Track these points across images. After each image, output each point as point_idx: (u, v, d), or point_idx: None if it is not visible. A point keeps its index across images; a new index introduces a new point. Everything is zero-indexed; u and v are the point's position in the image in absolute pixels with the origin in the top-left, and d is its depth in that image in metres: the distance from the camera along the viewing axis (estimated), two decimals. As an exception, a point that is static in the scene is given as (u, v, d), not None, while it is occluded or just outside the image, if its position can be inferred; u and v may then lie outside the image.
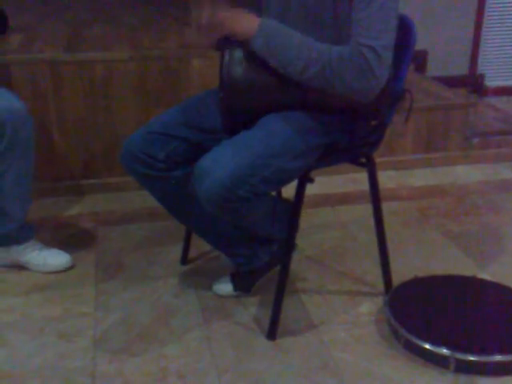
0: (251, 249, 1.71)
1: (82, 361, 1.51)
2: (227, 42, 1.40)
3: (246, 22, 1.38)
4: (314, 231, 2.13)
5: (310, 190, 1.58)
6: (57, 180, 2.27)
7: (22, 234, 1.84)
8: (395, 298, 1.67)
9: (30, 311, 1.70)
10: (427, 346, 1.49)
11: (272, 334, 1.58)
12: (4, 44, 2.26)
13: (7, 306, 1.71)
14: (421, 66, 3.20)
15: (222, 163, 1.35)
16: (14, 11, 2.71)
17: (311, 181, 1.53)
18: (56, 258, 1.86)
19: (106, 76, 2.21)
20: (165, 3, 3.28)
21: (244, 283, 1.75)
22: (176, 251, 1.95)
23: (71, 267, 1.88)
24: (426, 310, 1.63)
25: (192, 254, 1.94)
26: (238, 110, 1.43)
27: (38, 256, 1.85)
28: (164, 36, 2.54)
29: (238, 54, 1.39)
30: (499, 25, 3.42)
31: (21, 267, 1.86)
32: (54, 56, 2.19)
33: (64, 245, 1.93)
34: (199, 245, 1.89)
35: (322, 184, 2.27)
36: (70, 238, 2.05)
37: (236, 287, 1.75)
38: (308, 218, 2.14)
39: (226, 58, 1.38)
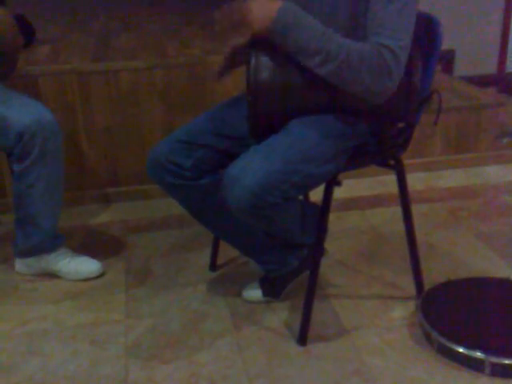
0: (280, 254, 1.70)
1: (114, 368, 1.52)
2: (253, 46, 1.40)
3: (262, 12, 1.35)
4: (344, 235, 2.11)
5: (338, 193, 1.57)
6: (85, 189, 2.30)
7: (53, 242, 1.86)
8: (428, 301, 1.64)
9: (62, 319, 1.71)
10: (461, 350, 1.46)
11: (303, 339, 1.57)
12: (32, 55, 2.30)
13: (40, 314, 1.73)
14: (448, 66, 3.16)
15: (251, 170, 1.34)
16: (42, 23, 2.76)
17: (339, 184, 1.52)
18: (87, 266, 1.88)
19: (133, 84, 2.23)
20: (190, 11, 3.30)
21: (273, 289, 1.74)
22: (205, 258, 1.95)
23: (102, 274, 1.90)
24: (459, 313, 1.59)
25: (220, 260, 1.94)
26: (265, 114, 1.42)
27: (69, 264, 1.87)
28: (189, 43, 2.56)
29: (265, 57, 1.38)
30: (528, 22, 3.35)
31: (52, 275, 1.89)
32: (82, 66, 2.23)
33: (93, 252, 1.94)
34: (228, 251, 1.88)
35: (351, 187, 2.25)
36: (100, 246, 2.07)
37: (265, 293, 1.74)
38: (337, 222, 2.12)
39: (253, 61, 1.38)
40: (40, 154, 1.69)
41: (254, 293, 1.75)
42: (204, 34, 2.71)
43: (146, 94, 2.25)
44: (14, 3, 2.06)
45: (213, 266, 1.93)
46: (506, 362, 1.42)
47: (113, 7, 3.44)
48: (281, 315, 1.69)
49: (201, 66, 2.27)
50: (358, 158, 1.53)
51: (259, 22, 1.35)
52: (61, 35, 2.72)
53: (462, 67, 3.20)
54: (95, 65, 2.25)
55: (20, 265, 1.90)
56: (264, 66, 1.38)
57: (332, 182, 1.51)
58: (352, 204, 2.28)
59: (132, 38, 2.67)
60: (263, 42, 1.39)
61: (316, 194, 1.62)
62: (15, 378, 1.49)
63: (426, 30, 1.51)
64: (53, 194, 1.79)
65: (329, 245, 1.80)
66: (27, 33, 2.29)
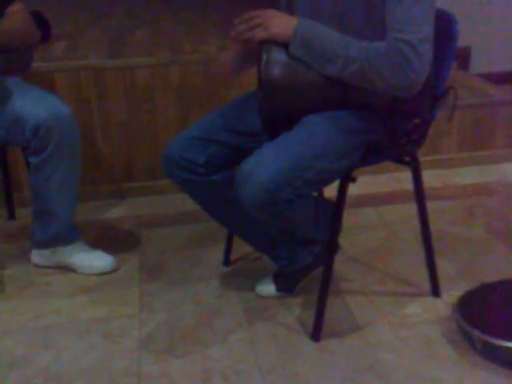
0: (293, 250, 1.69)
1: (127, 361, 1.52)
2: (265, 42, 1.40)
3: (283, 23, 1.37)
4: (358, 232, 2.10)
5: (353, 189, 1.56)
6: (100, 183, 2.31)
7: (70, 235, 1.87)
8: (464, 303, 1.59)
9: (77, 313, 1.72)
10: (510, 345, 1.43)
11: (316, 335, 1.56)
12: (48, 51, 2.32)
13: (54, 307, 1.75)
14: (464, 63, 3.13)
15: (264, 166, 1.34)
16: (58, 19, 2.78)
17: (353, 180, 1.51)
18: (101, 260, 1.89)
19: (148, 81, 2.24)
20: (205, 8, 3.31)
21: (287, 284, 1.74)
22: (218, 253, 1.95)
23: (116, 269, 1.91)
24: (498, 314, 1.56)
25: (234, 255, 1.94)
26: (277, 110, 1.42)
27: (84, 258, 1.88)
28: (204, 40, 2.56)
29: (276, 53, 1.38)
30: (546, 18, 3.30)
31: (66, 269, 1.90)
32: (97, 62, 2.24)
33: (107, 247, 1.95)
34: (241, 246, 1.88)
35: (365, 183, 2.23)
36: (114, 241, 2.08)
37: (278, 288, 1.74)
38: (351, 218, 2.11)
39: (264, 57, 1.37)
40: (56, 147, 1.70)
41: (268, 288, 1.75)
42: (219, 31, 2.71)
43: (161, 90, 2.26)
44: (31, -1, 2.07)
45: (226, 261, 1.93)
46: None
47: (129, 3, 3.46)
48: (294, 311, 1.69)
49: (215, 63, 2.27)
50: (373, 154, 1.52)
51: (279, 29, 1.36)
52: (77, 31, 2.74)
53: (478, 64, 3.17)
54: (111, 61, 2.26)
55: (36, 256, 1.92)
56: (275, 61, 1.37)
57: (346, 179, 1.50)
58: (367, 200, 2.27)
59: (148, 34, 2.68)
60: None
61: (330, 191, 1.61)
62: (29, 371, 1.50)
63: (442, 27, 1.49)
64: (69, 187, 1.80)
65: (343, 241, 1.79)
66: (43, 28, 2.30)
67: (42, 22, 2.32)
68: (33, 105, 1.68)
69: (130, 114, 2.26)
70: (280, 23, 1.37)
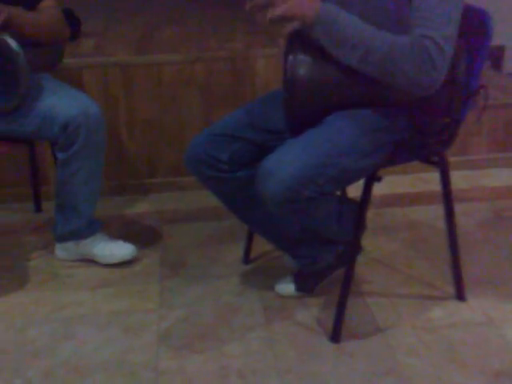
0: (315, 250, 1.67)
1: (146, 355, 1.53)
2: (291, 43, 1.38)
3: (305, 5, 1.33)
4: (382, 232, 2.06)
5: (378, 189, 1.53)
6: (123, 179, 2.33)
7: (90, 228, 1.89)
8: None
9: (98, 305, 1.74)
10: None
11: (336, 336, 1.54)
12: (77, 48, 2.34)
13: (76, 299, 1.76)
14: (497, 62, 3.05)
15: (287, 163, 1.33)
16: (87, 17, 2.80)
17: (379, 179, 1.48)
18: (121, 249, 1.91)
19: (174, 78, 2.24)
20: (233, 5, 3.30)
21: (307, 284, 1.72)
22: (238, 250, 1.94)
23: (135, 259, 1.92)
24: None
25: (254, 253, 1.93)
26: (302, 110, 1.41)
27: (105, 248, 1.90)
28: (231, 37, 2.55)
29: (302, 54, 1.37)
30: None
31: (89, 262, 1.92)
32: (125, 59, 2.25)
33: (130, 241, 1.95)
34: (262, 244, 1.87)
35: (391, 183, 2.19)
36: (136, 235, 2.09)
37: (298, 288, 1.72)
38: (375, 219, 2.08)
39: (290, 58, 1.36)
40: (83, 144, 1.71)
41: (287, 287, 1.73)
42: (246, 28, 2.70)
43: (187, 88, 2.26)
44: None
45: (246, 259, 1.92)
46: None
47: (158, 1, 3.47)
48: (313, 311, 1.67)
49: (241, 60, 2.26)
50: (400, 153, 1.49)
51: (301, 9, 1.31)
52: (106, 29, 2.76)
53: (511, 64, 3.09)
54: (138, 58, 2.27)
55: (59, 250, 1.94)
56: (301, 62, 1.36)
57: (372, 178, 1.47)
58: (392, 201, 2.23)
59: (175, 31, 2.68)
60: (301, 39, 1.37)
61: (355, 190, 1.58)
62: (50, 361, 1.52)
63: (476, 24, 1.46)
64: (93, 182, 1.82)
65: (366, 242, 1.76)
66: (74, 25, 2.33)
67: (72, 19, 2.34)
68: (63, 102, 1.70)
69: (156, 111, 2.27)
70: (302, 3, 1.33)
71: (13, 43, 1.58)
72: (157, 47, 2.42)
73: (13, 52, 1.58)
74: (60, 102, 1.70)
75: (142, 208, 2.23)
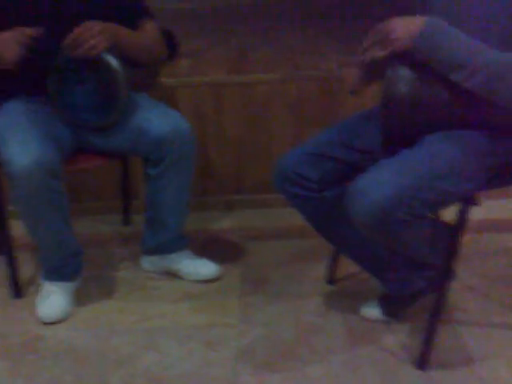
0: (406, 274, 1.60)
1: (224, 370, 1.52)
2: (392, 58, 1.35)
3: (405, 31, 1.30)
4: (477, 258, 1.95)
5: (474, 213, 1.44)
6: (210, 195, 2.36)
7: (178, 243, 1.92)
8: None
9: (180, 318, 1.75)
10: None
11: (423, 363, 1.46)
12: (174, 68, 2.43)
13: (160, 311, 1.79)
14: None
15: (380, 183, 1.29)
16: (185, 38, 2.91)
17: (477, 203, 1.40)
18: (206, 268, 1.92)
19: (265, 97, 2.26)
20: (329, 25, 3.30)
21: (394, 308, 1.65)
22: (322, 270, 1.90)
23: (218, 278, 1.92)
24: None
25: (339, 273, 1.88)
26: (399, 129, 1.37)
27: (190, 264, 1.92)
28: (325, 56, 2.54)
29: (402, 70, 1.33)
30: None
31: (173, 275, 1.94)
32: (216, 79, 2.30)
33: (212, 257, 1.97)
34: (347, 264, 1.82)
35: (489, 207, 2.07)
36: (219, 251, 2.10)
37: (385, 312, 1.65)
38: (470, 244, 1.97)
39: (389, 73, 1.33)
40: (174, 160, 1.75)
41: (373, 311, 1.67)
42: (341, 48, 2.69)
43: (278, 106, 2.27)
44: (163, 17, 2.17)
45: (330, 279, 1.87)
46: None
47: (254, 22, 3.54)
48: (400, 337, 1.59)
49: (333, 80, 2.25)
50: (502, 176, 1.40)
51: (403, 40, 1.30)
52: (202, 49, 2.85)
53: None
54: (230, 77, 2.31)
55: (146, 262, 1.99)
56: (401, 78, 1.32)
57: (469, 201, 1.39)
58: (489, 226, 2.10)
59: (270, 51, 2.72)
60: (403, 55, 1.33)
61: (448, 213, 1.50)
62: (132, 370, 1.54)
63: None
64: (181, 198, 1.85)
65: (460, 268, 1.66)
66: (172, 47, 2.41)
67: (170, 41, 2.43)
68: (157, 119, 1.75)
69: (245, 129, 2.29)
70: (404, 30, 1.30)
71: (113, 62, 1.65)
72: (250, 67, 2.46)
73: (113, 70, 1.64)
74: (154, 119, 1.75)
75: (226, 224, 2.25)
